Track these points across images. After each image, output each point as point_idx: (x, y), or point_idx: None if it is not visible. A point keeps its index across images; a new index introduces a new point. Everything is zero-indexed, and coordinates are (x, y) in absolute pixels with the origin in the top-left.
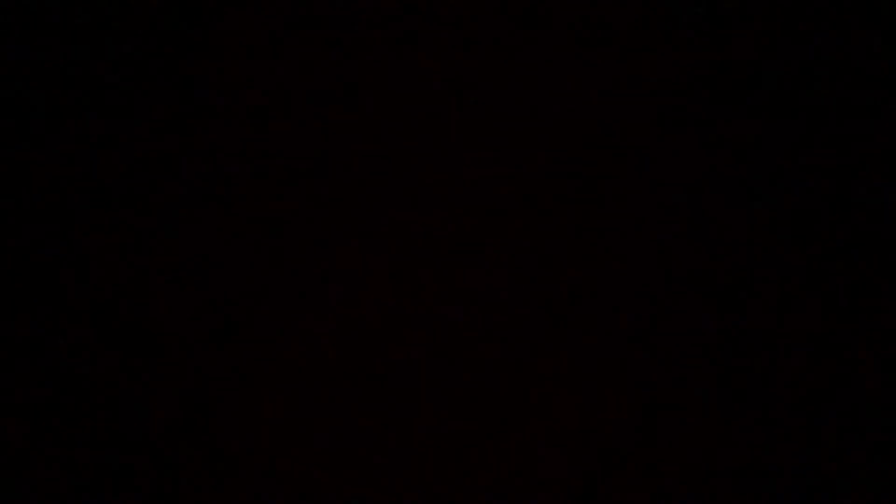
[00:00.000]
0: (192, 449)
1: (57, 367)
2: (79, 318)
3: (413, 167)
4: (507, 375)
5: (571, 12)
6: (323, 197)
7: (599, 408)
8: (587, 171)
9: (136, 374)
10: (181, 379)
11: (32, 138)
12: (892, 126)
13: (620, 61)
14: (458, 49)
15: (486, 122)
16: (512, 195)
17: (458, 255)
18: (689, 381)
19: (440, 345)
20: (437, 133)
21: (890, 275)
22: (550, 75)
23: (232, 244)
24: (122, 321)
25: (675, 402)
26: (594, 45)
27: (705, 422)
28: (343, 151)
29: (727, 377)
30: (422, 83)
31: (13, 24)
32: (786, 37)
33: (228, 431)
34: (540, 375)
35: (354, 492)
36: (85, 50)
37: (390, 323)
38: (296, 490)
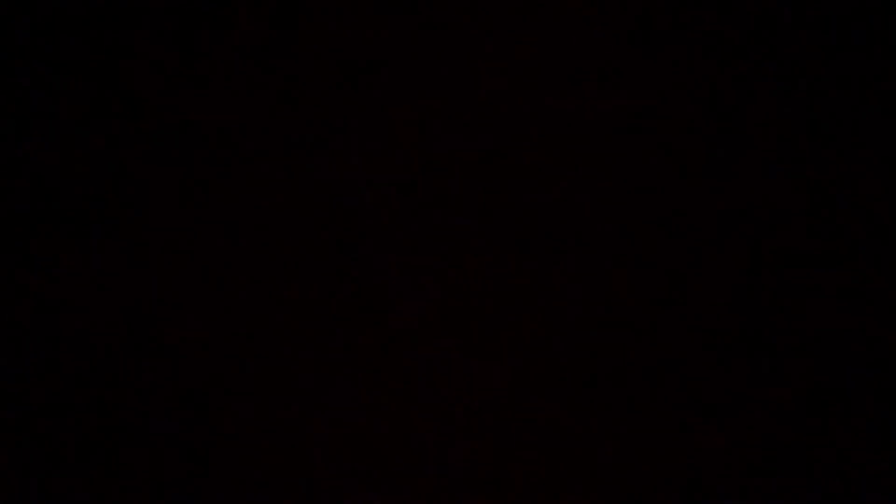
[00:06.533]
0: (192, 449)
1: (55, 365)
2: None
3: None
4: (507, 374)
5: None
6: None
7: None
8: (591, 168)
9: (134, 373)
10: (181, 379)
11: (30, 136)
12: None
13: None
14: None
15: (487, 120)
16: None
17: (457, 255)
18: (689, 379)
19: (440, 345)
20: (442, 130)
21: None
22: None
23: (230, 246)
24: (121, 320)
25: (676, 400)
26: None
27: (705, 422)
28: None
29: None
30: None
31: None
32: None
33: (228, 430)
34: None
35: (355, 492)
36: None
37: (392, 321)
38: (296, 490)
